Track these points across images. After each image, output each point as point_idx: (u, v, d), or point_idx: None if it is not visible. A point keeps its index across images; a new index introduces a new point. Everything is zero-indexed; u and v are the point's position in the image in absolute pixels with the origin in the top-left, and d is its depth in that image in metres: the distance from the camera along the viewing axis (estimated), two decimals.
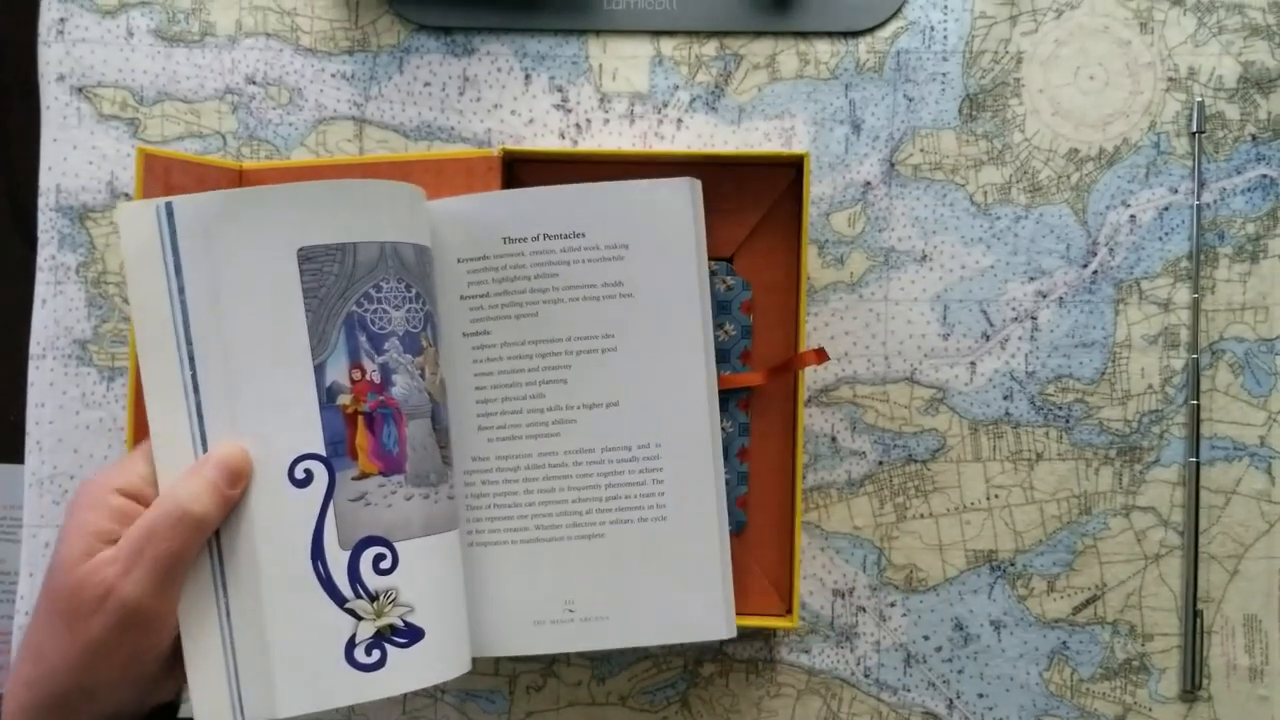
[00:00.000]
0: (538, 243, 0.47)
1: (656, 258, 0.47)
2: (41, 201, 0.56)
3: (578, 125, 0.56)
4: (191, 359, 0.42)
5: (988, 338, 0.55)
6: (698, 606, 0.47)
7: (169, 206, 0.43)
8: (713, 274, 0.52)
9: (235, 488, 0.41)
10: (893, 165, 0.55)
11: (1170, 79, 0.55)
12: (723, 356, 0.52)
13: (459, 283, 0.48)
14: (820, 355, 0.50)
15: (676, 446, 0.47)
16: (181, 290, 0.43)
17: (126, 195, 0.56)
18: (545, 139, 0.56)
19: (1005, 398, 0.55)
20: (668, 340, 0.47)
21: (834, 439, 0.55)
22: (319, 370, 0.43)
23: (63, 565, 0.40)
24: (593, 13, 0.55)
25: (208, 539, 0.42)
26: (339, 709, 0.55)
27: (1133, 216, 0.55)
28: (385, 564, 0.43)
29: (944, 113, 0.55)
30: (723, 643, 0.54)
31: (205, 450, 0.42)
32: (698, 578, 0.47)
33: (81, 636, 0.39)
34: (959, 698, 0.55)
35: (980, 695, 0.55)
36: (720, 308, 0.52)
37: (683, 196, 0.47)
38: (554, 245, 0.47)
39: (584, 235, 0.47)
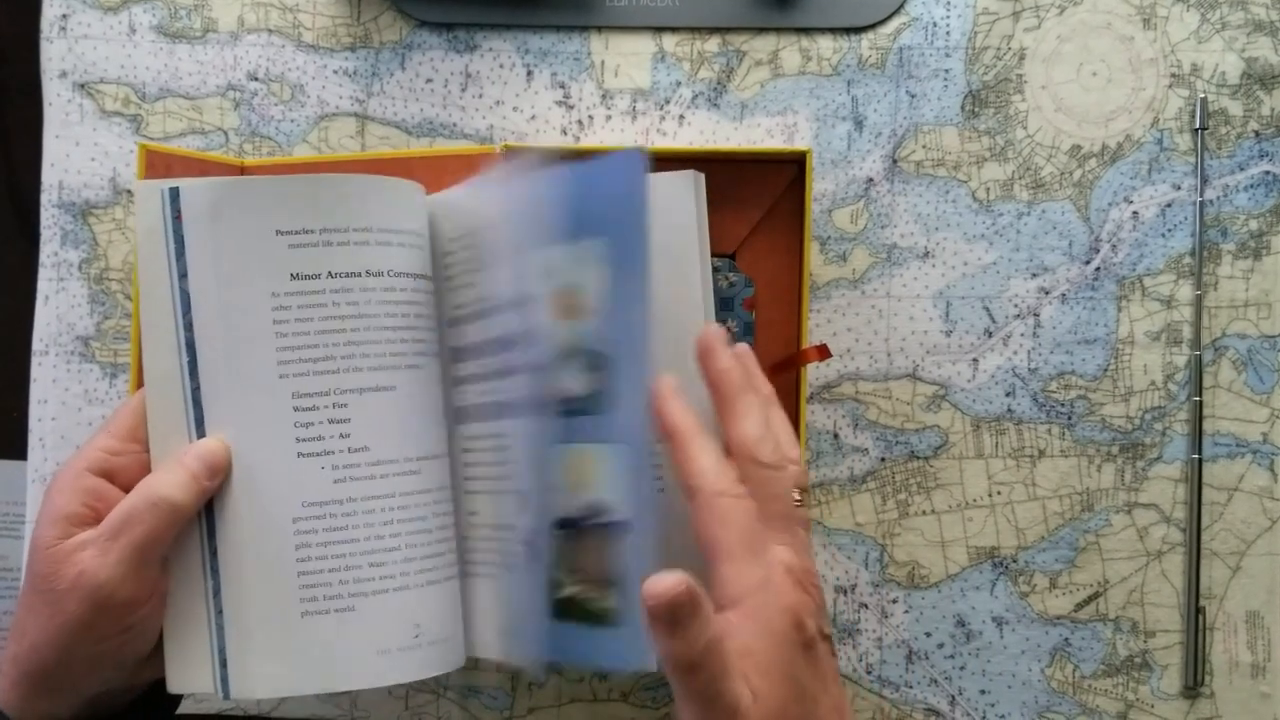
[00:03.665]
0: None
1: (659, 253, 0.46)
2: (44, 198, 0.56)
3: (580, 122, 0.56)
4: (191, 345, 0.43)
5: (990, 334, 0.55)
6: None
7: (174, 191, 0.43)
8: (715, 270, 0.52)
9: (213, 480, 0.42)
10: (895, 162, 0.55)
11: (1173, 75, 0.55)
12: None
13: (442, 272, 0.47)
14: (823, 351, 0.49)
15: None
16: (183, 276, 0.43)
17: (129, 192, 0.56)
18: (547, 135, 0.56)
19: (1007, 394, 0.55)
20: (671, 334, 0.47)
21: (836, 435, 0.55)
22: None
23: (39, 547, 0.41)
24: (595, 9, 0.55)
25: (190, 524, 0.42)
26: (342, 702, 0.55)
27: (1135, 213, 0.55)
28: None
29: (946, 109, 0.55)
30: None
31: (202, 437, 0.43)
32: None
33: (59, 616, 0.40)
34: (961, 694, 0.55)
35: (982, 692, 0.55)
36: (722, 304, 0.52)
37: (685, 189, 0.47)
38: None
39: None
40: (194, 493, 0.41)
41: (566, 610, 0.43)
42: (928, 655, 0.55)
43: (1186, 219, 0.55)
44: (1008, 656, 0.55)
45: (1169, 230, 0.55)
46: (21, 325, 0.56)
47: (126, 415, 0.44)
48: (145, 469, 0.43)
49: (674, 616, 0.35)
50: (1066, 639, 0.54)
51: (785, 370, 0.51)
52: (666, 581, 0.35)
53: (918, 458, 0.55)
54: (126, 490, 0.42)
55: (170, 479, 0.41)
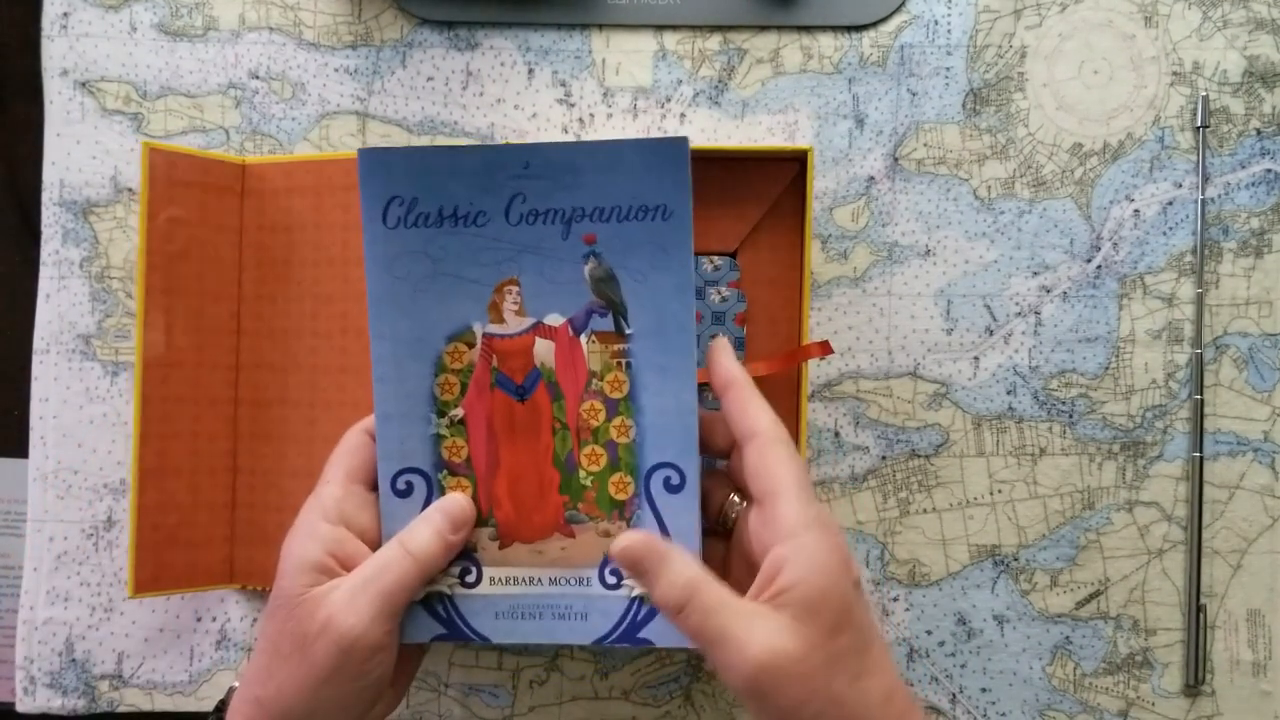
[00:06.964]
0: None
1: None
2: (45, 196, 0.56)
3: (581, 120, 0.56)
4: None
5: (991, 332, 0.55)
6: None
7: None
8: (711, 285, 0.51)
9: (457, 534, 0.44)
10: (896, 160, 0.55)
11: (1174, 73, 0.55)
12: None
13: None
14: (825, 347, 0.49)
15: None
16: None
17: (130, 190, 0.56)
18: (548, 133, 0.56)
19: (1009, 392, 0.55)
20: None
21: (837, 434, 0.55)
22: None
23: (286, 595, 0.42)
24: (596, 7, 0.55)
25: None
26: None
27: (1137, 211, 0.55)
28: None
29: (948, 107, 0.55)
30: None
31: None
32: None
33: (307, 662, 0.41)
34: (962, 692, 0.55)
35: (983, 690, 0.55)
36: (714, 319, 0.52)
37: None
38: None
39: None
40: (438, 546, 0.43)
41: None
42: (929, 653, 0.55)
43: (1188, 217, 0.55)
44: (1009, 654, 0.55)
45: (1170, 228, 0.55)
46: (22, 323, 0.56)
47: (342, 458, 0.45)
48: (370, 507, 0.44)
49: (641, 566, 0.40)
50: (1068, 637, 0.54)
51: (787, 366, 0.51)
52: (629, 537, 0.41)
53: (919, 456, 0.55)
54: (357, 533, 0.44)
55: (418, 537, 0.43)
